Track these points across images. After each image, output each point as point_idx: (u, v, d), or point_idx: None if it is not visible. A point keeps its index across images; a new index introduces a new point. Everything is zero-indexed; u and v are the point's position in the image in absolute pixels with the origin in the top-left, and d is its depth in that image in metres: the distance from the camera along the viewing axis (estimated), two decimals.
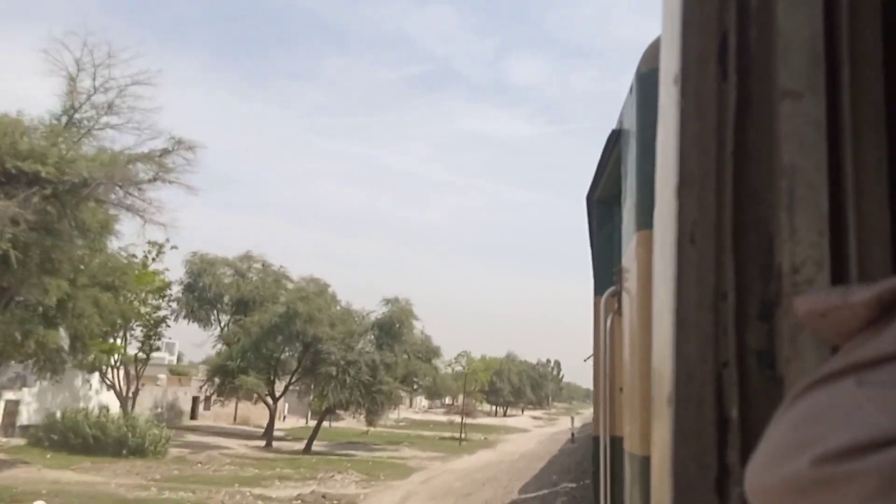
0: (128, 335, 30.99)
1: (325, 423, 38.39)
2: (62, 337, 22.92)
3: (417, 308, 35.42)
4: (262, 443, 33.82)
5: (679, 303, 0.73)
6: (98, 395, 33.01)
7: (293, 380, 34.85)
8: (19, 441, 27.62)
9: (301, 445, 33.45)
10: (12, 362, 24.04)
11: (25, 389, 29.24)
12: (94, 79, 22.06)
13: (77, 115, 22.10)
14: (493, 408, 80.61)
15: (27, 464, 22.69)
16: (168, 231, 23.43)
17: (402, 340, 34.65)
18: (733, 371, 0.70)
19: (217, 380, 33.55)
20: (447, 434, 44.87)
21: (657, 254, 0.82)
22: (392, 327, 34.61)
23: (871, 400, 0.42)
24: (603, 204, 3.36)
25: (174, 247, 31.10)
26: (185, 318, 34.67)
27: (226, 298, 35.55)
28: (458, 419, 50.07)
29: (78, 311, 22.06)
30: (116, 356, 30.17)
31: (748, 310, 0.72)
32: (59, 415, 27.88)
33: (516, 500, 20.78)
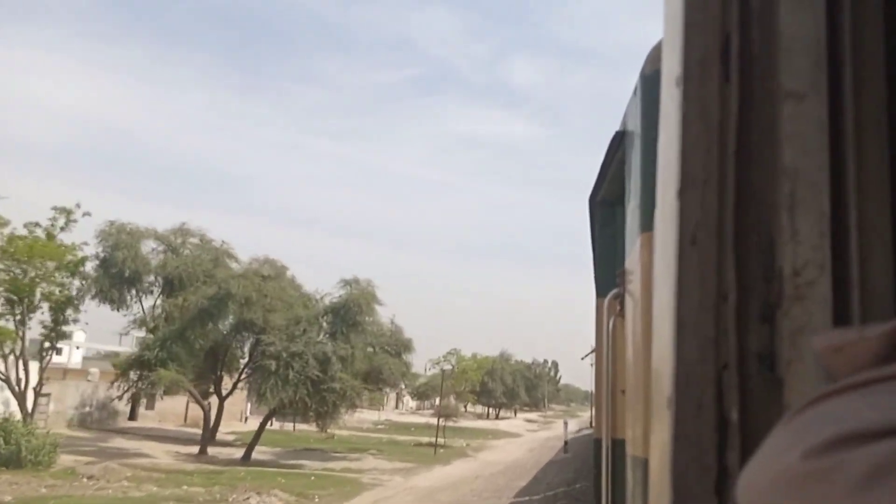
0: (26, 318, 25.05)
1: (293, 426, 32.99)
2: None
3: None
4: (199, 448, 28.50)
5: (680, 304, 0.72)
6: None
7: (241, 376, 29.64)
8: None
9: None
10: None
11: None
12: None
13: None
14: (487, 409, 77.56)
15: None
16: None
17: (363, 330, 29.11)
18: (733, 373, 0.70)
19: (133, 374, 27.65)
20: (427, 439, 38.94)
21: (658, 255, 0.82)
22: (349, 313, 28.57)
23: (866, 402, 0.43)
24: (606, 205, 3.35)
25: (87, 213, 25.51)
26: (93, 298, 28.29)
27: (150, 277, 29.56)
28: (455, 421, 47.00)
29: None
30: (11, 344, 24.58)
31: (749, 312, 0.71)
32: None
33: None
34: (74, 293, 27.19)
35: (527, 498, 18.88)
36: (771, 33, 0.74)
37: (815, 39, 0.73)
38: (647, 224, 2.10)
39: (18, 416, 23.82)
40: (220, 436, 32.20)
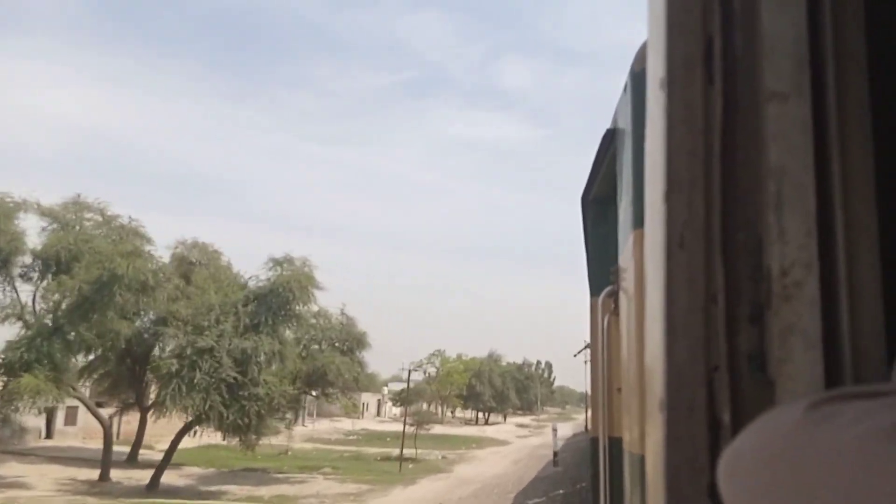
0: None
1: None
2: None
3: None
4: (99, 474, 23.68)
5: (669, 306, 0.73)
6: None
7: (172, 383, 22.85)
8: None
9: (169, 475, 23.00)
10: None
11: None
12: None
13: None
14: (476, 414, 72.03)
15: None
16: None
17: (297, 321, 24.08)
18: (724, 374, 0.70)
19: None
20: (399, 451, 33.49)
21: (647, 257, 0.82)
22: (277, 300, 22.83)
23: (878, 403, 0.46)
24: (598, 203, 3.36)
25: None
26: None
27: (24, 258, 23.41)
28: (427, 429, 41.29)
29: None
30: None
31: (738, 313, 0.72)
32: None
33: None
34: None
35: None
36: (753, 35, 0.75)
37: (796, 40, 0.74)
38: (639, 220, 2.11)
39: None
40: (148, 454, 27.13)
